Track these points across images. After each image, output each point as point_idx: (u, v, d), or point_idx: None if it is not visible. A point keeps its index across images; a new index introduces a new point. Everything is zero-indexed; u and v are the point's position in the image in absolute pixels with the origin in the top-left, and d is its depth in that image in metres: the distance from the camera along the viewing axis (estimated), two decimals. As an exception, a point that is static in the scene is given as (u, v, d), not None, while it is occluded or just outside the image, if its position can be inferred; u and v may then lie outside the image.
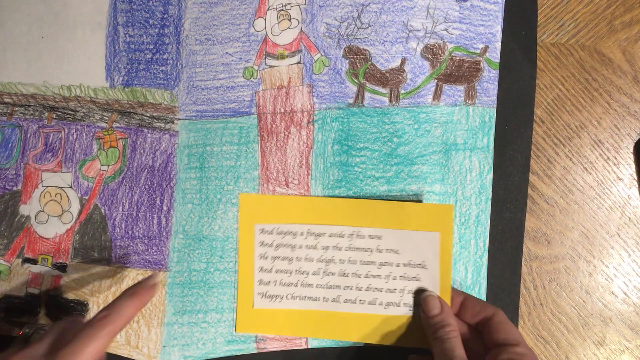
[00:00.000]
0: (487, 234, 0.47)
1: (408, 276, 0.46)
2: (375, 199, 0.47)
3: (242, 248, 0.47)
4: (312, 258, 0.47)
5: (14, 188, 0.48)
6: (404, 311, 0.46)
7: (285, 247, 0.47)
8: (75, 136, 0.48)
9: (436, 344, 0.41)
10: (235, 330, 0.47)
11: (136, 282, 0.43)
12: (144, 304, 0.41)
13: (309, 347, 0.48)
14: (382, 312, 0.46)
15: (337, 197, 0.47)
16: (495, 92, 0.48)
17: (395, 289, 0.46)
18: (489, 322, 0.42)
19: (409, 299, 0.46)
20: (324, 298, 0.47)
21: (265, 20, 0.48)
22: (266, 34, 0.48)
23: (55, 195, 0.48)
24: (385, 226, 0.46)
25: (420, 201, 0.47)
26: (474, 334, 0.44)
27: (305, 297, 0.47)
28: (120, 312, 0.39)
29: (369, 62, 0.48)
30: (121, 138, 0.48)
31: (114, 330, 0.38)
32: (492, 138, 0.47)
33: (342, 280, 0.46)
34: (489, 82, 0.47)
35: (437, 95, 0.48)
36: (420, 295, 0.45)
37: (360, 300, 0.46)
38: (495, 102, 0.47)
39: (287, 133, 0.48)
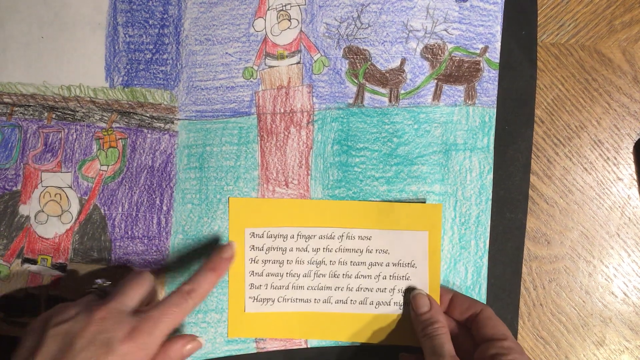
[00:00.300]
0: (488, 234, 0.47)
1: (398, 275, 0.46)
2: (367, 200, 0.47)
3: None
4: (302, 260, 0.47)
5: (14, 188, 0.48)
6: (394, 310, 0.46)
7: (276, 251, 0.47)
8: (74, 136, 0.48)
9: (425, 340, 0.42)
10: (228, 335, 0.47)
11: (213, 253, 0.44)
12: (221, 278, 0.44)
13: (309, 346, 0.48)
14: (373, 311, 0.47)
15: (337, 197, 0.47)
16: (495, 92, 0.47)
17: (385, 288, 0.46)
18: (477, 318, 0.43)
19: (399, 298, 0.46)
20: (315, 299, 0.47)
21: (265, 20, 0.48)
22: (266, 34, 0.48)
23: (55, 195, 0.48)
24: (375, 227, 0.46)
25: (423, 201, 0.47)
26: (463, 331, 0.44)
27: (296, 299, 0.47)
28: (203, 286, 0.42)
29: (369, 62, 0.48)
30: (121, 138, 0.48)
31: (195, 303, 0.41)
32: (492, 138, 0.47)
33: (333, 281, 0.47)
34: (488, 82, 0.47)
35: (437, 95, 0.48)
36: (410, 294, 0.46)
37: (352, 300, 0.47)
38: (495, 102, 0.47)
39: (286, 133, 0.48)
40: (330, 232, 0.47)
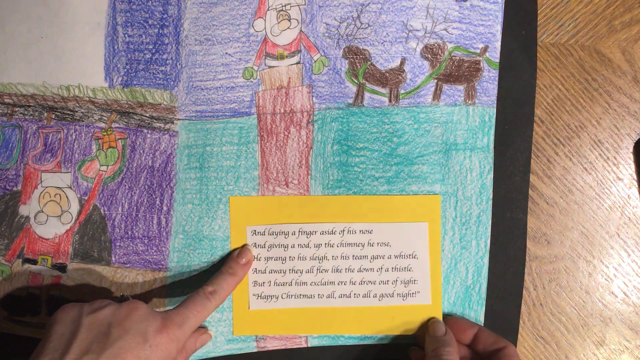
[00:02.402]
0: (489, 234, 0.47)
1: (400, 267, 0.47)
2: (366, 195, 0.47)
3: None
4: (305, 256, 0.47)
5: (14, 188, 0.48)
6: (397, 301, 0.47)
7: (278, 248, 0.47)
8: (74, 136, 0.48)
9: None
10: (233, 333, 0.47)
11: (230, 257, 0.46)
12: (240, 281, 0.46)
13: (309, 345, 0.48)
14: (377, 303, 0.47)
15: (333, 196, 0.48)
16: (495, 92, 0.47)
17: (388, 281, 0.47)
18: (499, 354, 0.43)
19: (402, 289, 0.47)
20: (318, 295, 0.47)
21: (264, 20, 0.48)
22: (266, 34, 0.48)
23: (55, 195, 0.48)
24: (376, 220, 0.47)
25: None
26: None
27: (300, 295, 0.47)
28: (224, 289, 0.44)
29: (369, 62, 0.48)
30: (120, 138, 0.48)
31: (217, 304, 0.43)
32: (492, 138, 0.47)
33: (335, 276, 0.47)
34: (488, 81, 0.47)
35: (436, 95, 0.47)
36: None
37: (355, 294, 0.47)
38: (495, 102, 0.47)
39: (286, 133, 0.48)
40: (331, 228, 0.47)
